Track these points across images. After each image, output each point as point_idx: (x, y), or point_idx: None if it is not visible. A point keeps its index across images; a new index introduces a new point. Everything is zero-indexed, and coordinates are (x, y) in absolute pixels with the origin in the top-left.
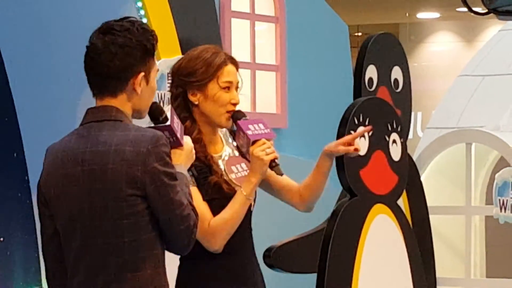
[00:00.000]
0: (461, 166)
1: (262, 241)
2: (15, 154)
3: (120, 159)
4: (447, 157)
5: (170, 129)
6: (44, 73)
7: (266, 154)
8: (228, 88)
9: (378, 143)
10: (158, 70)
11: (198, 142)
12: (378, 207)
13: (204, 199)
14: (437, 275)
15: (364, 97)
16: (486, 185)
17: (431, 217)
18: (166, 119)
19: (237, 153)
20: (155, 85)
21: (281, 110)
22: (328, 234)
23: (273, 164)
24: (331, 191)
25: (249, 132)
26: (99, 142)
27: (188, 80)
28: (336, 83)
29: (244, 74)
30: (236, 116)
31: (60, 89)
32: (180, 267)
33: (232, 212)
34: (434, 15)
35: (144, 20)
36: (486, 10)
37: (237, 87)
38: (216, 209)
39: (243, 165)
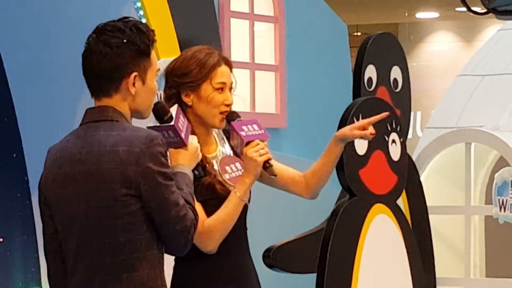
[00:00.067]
0: (461, 165)
1: (261, 241)
2: (14, 155)
3: (114, 159)
4: (447, 157)
5: (173, 129)
6: (44, 74)
7: (260, 155)
8: (222, 89)
9: (378, 143)
10: (159, 69)
11: None
12: (378, 207)
13: (198, 200)
14: (437, 275)
15: (364, 97)
16: (486, 185)
17: (430, 217)
18: (170, 118)
19: (231, 153)
20: (155, 85)
21: (281, 110)
22: (327, 234)
23: (266, 165)
24: (331, 191)
25: (242, 133)
26: (95, 142)
27: (181, 81)
28: (336, 83)
29: (243, 74)
30: (230, 117)
31: (60, 89)
32: (175, 268)
33: (226, 213)
34: (433, 14)
35: (143, 20)
36: (485, 10)
37: (231, 88)
38: (210, 210)
39: (238, 164)
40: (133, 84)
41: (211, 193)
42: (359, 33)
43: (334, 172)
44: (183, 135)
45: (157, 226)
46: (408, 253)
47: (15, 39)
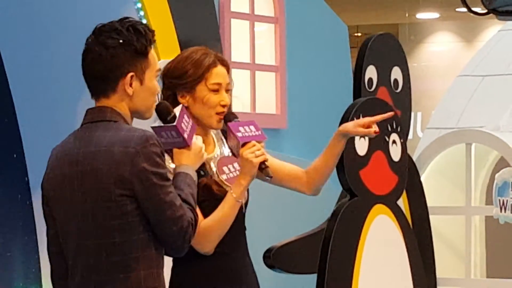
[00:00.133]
0: (461, 166)
1: (262, 242)
2: (15, 155)
3: (109, 160)
4: (447, 157)
5: (176, 129)
6: (44, 74)
7: (256, 156)
8: (217, 90)
9: (378, 143)
10: (159, 70)
11: None
12: (378, 207)
13: None
14: (437, 275)
15: (364, 98)
16: (486, 185)
17: (431, 217)
18: (173, 119)
19: (230, 153)
20: (154, 85)
21: (281, 110)
22: (328, 235)
23: (262, 166)
24: (332, 191)
25: (239, 134)
26: (92, 142)
27: (176, 82)
28: (336, 83)
29: (243, 75)
30: (227, 117)
31: (60, 90)
32: (173, 269)
33: (222, 214)
34: (434, 15)
35: (144, 21)
36: (485, 10)
37: (228, 89)
38: (207, 211)
39: (236, 165)
40: (130, 85)
41: (208, 194)
42: (359, 34)
43: (335, 172)
44: (186, 135)
45: (153, 226)
46: (409, 254)
47: (16, 40)
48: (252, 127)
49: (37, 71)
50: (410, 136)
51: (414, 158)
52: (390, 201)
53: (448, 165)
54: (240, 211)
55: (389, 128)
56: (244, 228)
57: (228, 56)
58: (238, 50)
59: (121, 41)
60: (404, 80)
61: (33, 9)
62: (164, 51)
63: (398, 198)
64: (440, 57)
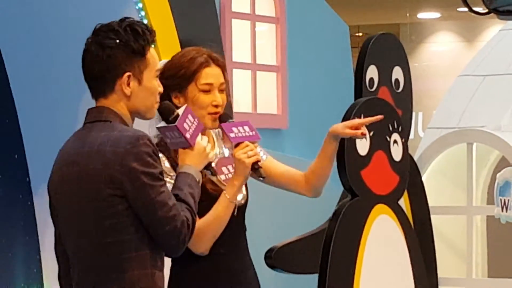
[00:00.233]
0: (462, 166)
1: (263, 242)
2: (16, 156)
3: (100, 160)
4: (448, 157)
5: (177, 129)
6: (45, 75)
7: (248, 157)
8: (209, 90)
9: (379, 143)
10: (159, 70)
11: None
12: (379, 207)
13: None
14: (439, 275)
15: (365, 98)
16: (488, 185)
17: (432, 217)
18: (175, 118)
19: (230, 154)
20: (154, 85)
21: (282, 110)
22: (329, 235)
23: (255, 167)
24: (333, 191)
25: (231, 135)
26: (86, 143)
27: (169, 83)
28: (337, 83)
29: (244, 75)
30: (222, 118)
31: (61, 90)
32: (171, 269)
33: (216, 215)
34: (435, 15)
35: (145, 21)
36: (486, 10)
37: (222, 89)
38: (202, 210)
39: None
40: (128, 85)
41: (203, 194)
42: (360, 34)
43: (336, 172)
44: (188, 135)
45: (146, 227)
46: (410, 253)
47: (17, 40)
48: (246, 128)
49: (38, 72)
50: (411, 136)
51: (415, 158)
52: (391, 201)
53: (449, 165)
54: (238, 211)
55: (390, 128)
56: (244, 229)
57: (229, 56)
58: (239, 50)
59: (117, 41)
60: (405, 80)
61: (34, 9)
62: (165, 52)
63: (399, 198)
64: (441, 57)
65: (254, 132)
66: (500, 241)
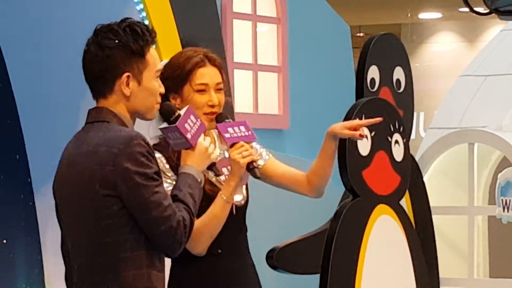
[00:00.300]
0: (464, 166)
1: (265, 242)
2: (17, 156)
3: (95, 160)
4: (450, 157)
5: (177, 129)
6: (46, 75)
7: (243, 157)
8: (204, 90)
9: (381, 143)
10: (159, 70)
11: None
12: (381, 207)
13: None
14: (440, 275)
15: (366, 98)
16: (489, 185)
17: (434, 217)
18: (176, 119)
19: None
20: (154, 85)
21: (283, 111)
22: (331, 235)
23: (250, 167)
24: (334, 191)
25: (226, 135)
26: (84, 143)
27: (166, 84)
28: (338, 83)
29: (246, 75)
30: (218, 118)
31: (62, 91)
32: (171, 269)
33: (212, 215)
34: (436, 15)
35: (146, 22)
36: (487, 10)
37: (218, 88)
38: (201, 211)
39: None
40: (127, 85)
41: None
42: (361, 34)
43: (337, 172)
44: (189, 136)
45: (141, 227)
46: (412, 254)
47: (18, 41)
48: (242, 128)
49: (39, 72)
50: (412, 136)
51: (416, 158)
52: (392, 201)
53: (451, 165)
54: (238, 211)
55: (392, 128)
56: (245, 229)
57: (230, 57)
58: (240, 51)
59: (117, 41)
60: (407, 80)
61: (35, 10)
62: (166, 52)
63: (400, 198)
64: (442, 57)
65: (250, 132)
66: (501, 241)
